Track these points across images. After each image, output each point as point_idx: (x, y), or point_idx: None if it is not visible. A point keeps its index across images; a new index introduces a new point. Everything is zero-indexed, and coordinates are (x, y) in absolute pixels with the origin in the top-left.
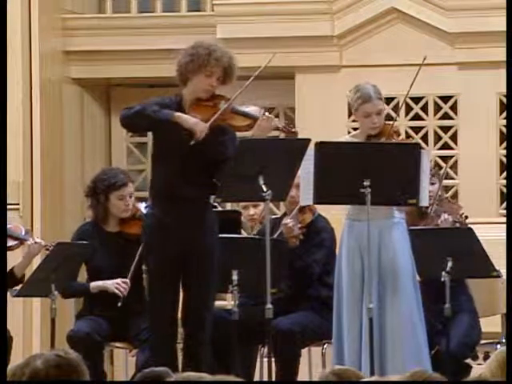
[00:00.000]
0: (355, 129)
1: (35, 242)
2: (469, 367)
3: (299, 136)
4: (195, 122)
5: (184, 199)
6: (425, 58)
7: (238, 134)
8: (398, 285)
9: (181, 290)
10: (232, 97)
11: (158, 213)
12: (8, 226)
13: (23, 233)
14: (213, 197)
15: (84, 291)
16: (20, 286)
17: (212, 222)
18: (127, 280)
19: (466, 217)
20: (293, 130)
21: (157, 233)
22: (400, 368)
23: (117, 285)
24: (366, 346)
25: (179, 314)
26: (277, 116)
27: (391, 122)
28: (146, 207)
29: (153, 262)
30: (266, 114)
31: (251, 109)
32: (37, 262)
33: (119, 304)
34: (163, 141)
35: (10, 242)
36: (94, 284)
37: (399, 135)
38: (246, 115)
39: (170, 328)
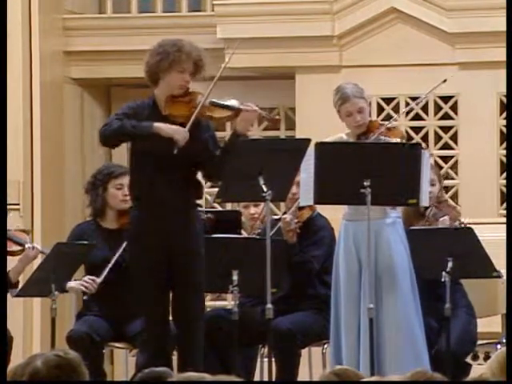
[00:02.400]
0: None
1: (32, 247)
2: (468, 366)
3: (299, 135)
4: (175, 130)
5: (167, 200)
6: (445, 81)
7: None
8: (395, 284)
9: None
10: (206, 92)
11: (142, 215)
12: (13, 231)
13: (28, 240)
14: (210, 198)
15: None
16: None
17: (197, 221)
18: (95, 278)
19: (469, 228)
20: (276, 117)
21: (141, 235)
22: (398, 368)
23: (82, 281)
24: (364, 346)
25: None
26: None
27: (383, 122)
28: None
29: (138, 264)
30: (250, 105)
31: (231, 101)
32: (37, 262)
33: (84, 297)
34: (143, 150)
35: (14, 247)
36: (68, 284)
37: (389, 130)
38: (225, 107)
39: (161, 328)
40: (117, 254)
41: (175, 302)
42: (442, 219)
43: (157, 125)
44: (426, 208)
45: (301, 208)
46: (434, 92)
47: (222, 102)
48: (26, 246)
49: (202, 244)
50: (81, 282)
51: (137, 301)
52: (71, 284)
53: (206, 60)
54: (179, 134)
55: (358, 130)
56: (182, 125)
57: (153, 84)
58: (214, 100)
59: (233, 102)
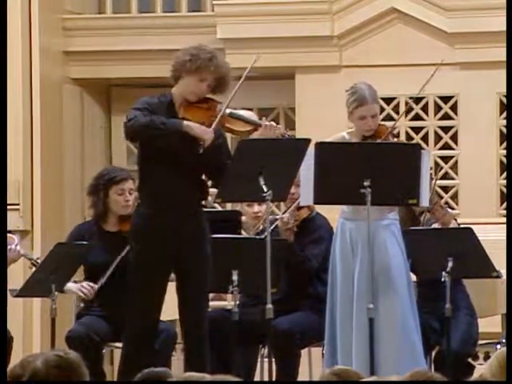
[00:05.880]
0: None
1: (11, 249)
2: (471, 367)
3: (298, 135)
4: (203, 130)
5: (176, 201)
6: (442, 61)
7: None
8: (391, 285)
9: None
10: (226, 100)
11: (148, 213)
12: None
13: (14, 242)
14: (210, 198)
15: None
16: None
17: (203, 222)
18: (93, 284)
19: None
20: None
21: (147, 233)
22: (394, 368)
23: (81, 287)
24: (357, 346)
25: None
26: (277, 116)
27: (386, 123)
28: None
29: (141, 262)
30: (271, 122)
31: (247, 113)
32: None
33: (81, 305)
34: (159, 149)
35: None
36: (67, 286)
37: (395, 137)
38: (245, 121)
39: (151, 321)
40: (117, 259)
41: (184, 303)
42: (433, 226)
43: (187, 123)
44: (421, 213)
45: (299, 208)
46: (435, 92)
47: (241, 114)
48: (8, 247)
49: (209, 244)
50: (79, 286)
51: (132, 297)
52: (70, 286)
53: (230, 80)
54: (207, 134)
55: (367, 133)
56: None
57: (174, 80)
58: (232, 111)
59: (252, 117)
